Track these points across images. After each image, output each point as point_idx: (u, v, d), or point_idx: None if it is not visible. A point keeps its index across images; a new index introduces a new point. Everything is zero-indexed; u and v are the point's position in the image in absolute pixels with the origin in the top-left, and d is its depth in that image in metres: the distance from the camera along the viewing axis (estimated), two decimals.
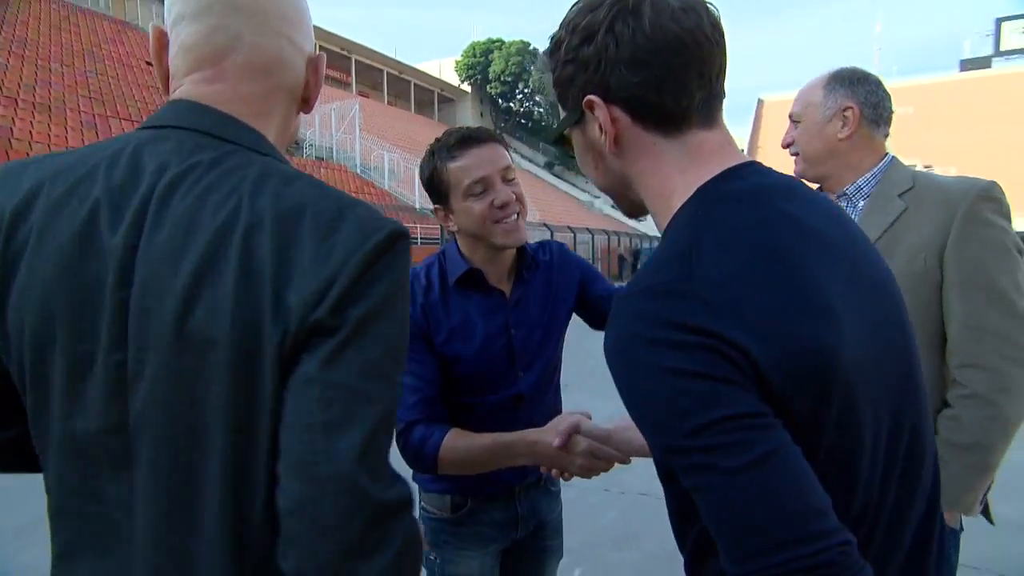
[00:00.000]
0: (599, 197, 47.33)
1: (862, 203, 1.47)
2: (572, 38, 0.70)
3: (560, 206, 37.90)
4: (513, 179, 1.28)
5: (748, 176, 0.68)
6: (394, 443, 0.69)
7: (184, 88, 0.71)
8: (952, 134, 46.73)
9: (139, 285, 0.61)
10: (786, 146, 1.55)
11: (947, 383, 1.34)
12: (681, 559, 2.28)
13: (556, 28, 0.74)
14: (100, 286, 0.62)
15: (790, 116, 1.55)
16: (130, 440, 0.62)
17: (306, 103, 0.81)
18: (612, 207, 46.96)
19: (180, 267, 0.60)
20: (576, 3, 0.71)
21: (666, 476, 0.69)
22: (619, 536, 3.13)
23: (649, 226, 41.72)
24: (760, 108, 61.98)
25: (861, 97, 1.46)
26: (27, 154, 12.95)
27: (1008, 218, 1.37)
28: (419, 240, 18.29)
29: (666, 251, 0.65)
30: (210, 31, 0.70)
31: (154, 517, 0.63)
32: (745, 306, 0.58)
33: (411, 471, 1.25)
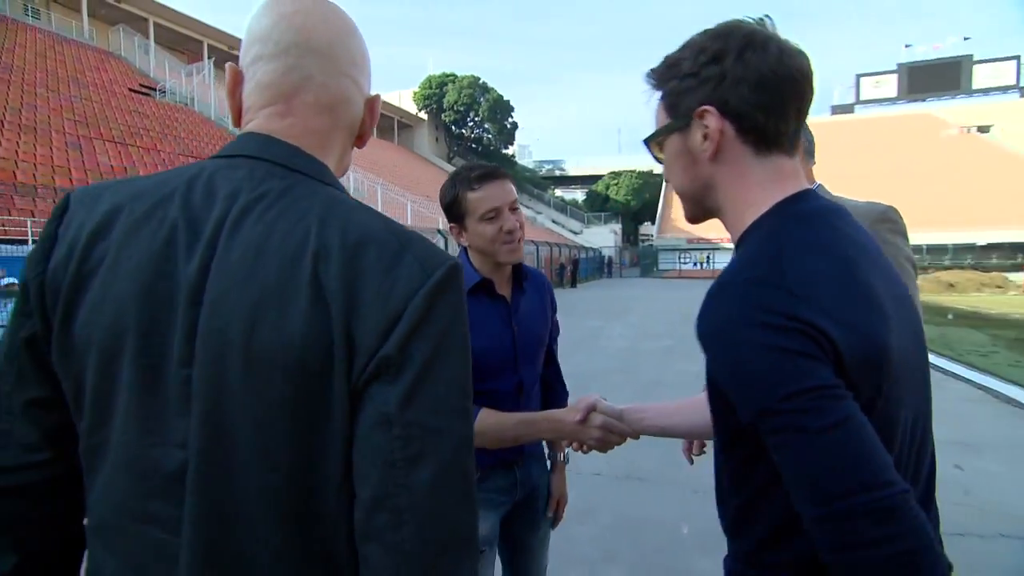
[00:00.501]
0: (541, 213, 47.70)
1: None
2: (699, 57, 0.71)
3: None
4: (517, 209, 1.37)
5: (812, 200, 0.72)
6: None
7: (256, 122, 0.66)
8: (826, 165, 49.25)
9: (209, 304, 0.56)
10: None
11: None
12: (630, 529, 2.57)
13: (676, 49, 0.76)
14: (173, 305, 0.57)
15: None
16: (186, 456, 0.56)
17: (360, 139, 0.75)
18: (553, 222, 47.46)
19: (250, 290, 0.55)
20: (703, 32, 0.73)
21: (729, 443, 0.73)
22: (578, 511, 3.05)
23: (584, 239, 41.88)
24: None
25: None
26: (13, 172, 12.15)
27: (904, 236, 1.41)
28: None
29: (753, 254, 0.69)
30: (285, 70, 0.65)
31: (204, 539, 0.56)
32: (825, 301, 0.62)
33: None
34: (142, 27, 28.72)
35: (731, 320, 0.64)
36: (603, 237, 45.17)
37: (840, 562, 0.57)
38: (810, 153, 1.51)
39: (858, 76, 65.45)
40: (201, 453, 0.55)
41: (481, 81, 49.09)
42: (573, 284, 26.53)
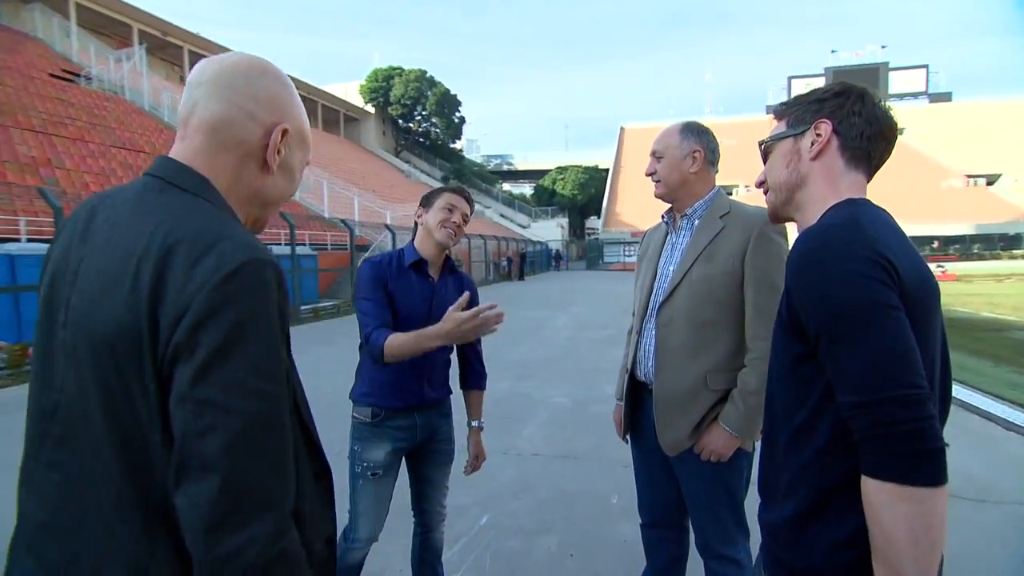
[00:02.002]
0: (489, 207, 47.73)
1: (697, 221, 1.66)
2: (827, 92, 0.98)
3: None
4: (466, 220, 1.87)
5: (869, 201, 0.94)
6: None
7: (174, 147, 0.80)
8: (758, 161, 51.77)
9: (76, 285, 0.70)
10: (649, 174, 1.70)
11: (744, 349, 1.58)
12: (565, 501, 2.85)
13: (810, 91, 1.02)
14: (64, 284, 0.72)
15: (652, 153, 1.70)
16: (59, 397, 0.71)
17: (266, 164, 0.81)
18: (501, 216, 47.59)
19: (99, 278, 0.68)
20: (831, 84, 1.00)
21: (791, 368, 0.89)
22: (516, 488, 3.28)
23: (532, 232, 41.98)
24: (622, 134, 65.32)
25: (704, 143, 1.66)
26: None
27: (785, 236, 1.57)
28: (329, 246, 17.72)
29: (836, 216, 0.89)
30: (184, 101, 0.79)
31: (68, 468, 0.70)
32: (892, 247, 0.81)
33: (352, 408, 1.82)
34: (61, 7, 26.69)
35: (822, 251, 0.82)
36: (550, 231, 45.77)
37: (872, 437, 0.74)
38: (714, 162, 1.70)
39: (790, 78, 68.72)
40: (68, 393, 0.70)
41: (428, 75, 48.50)
42: (521, 277, 26.83)
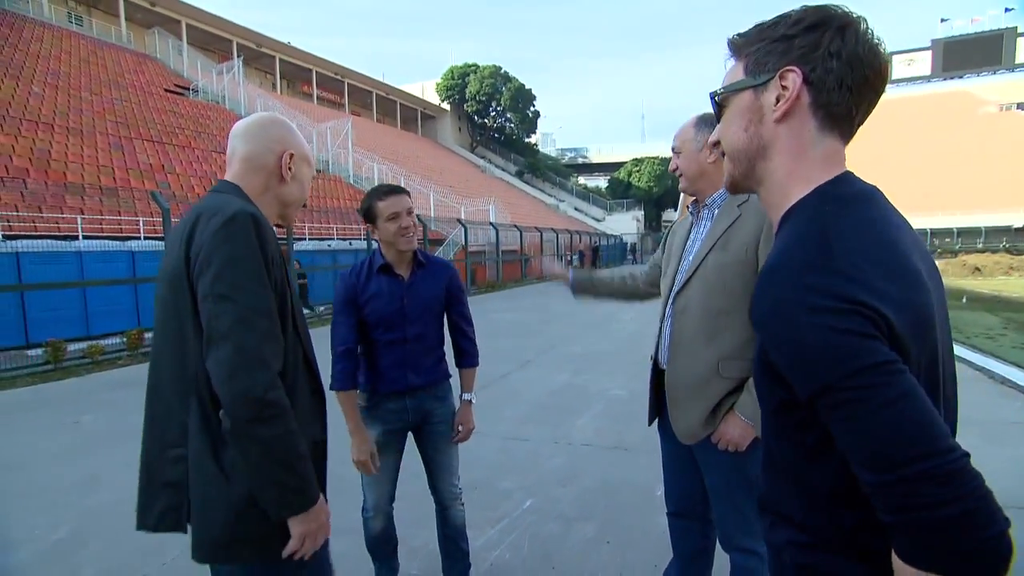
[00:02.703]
0: (563, 201, 47.54)
1: (716, 210, 1.67)
2: (797, 24, 0.72)
3: (529, 208, 38.08)
4: (411, 212, 1.94)
5: (850, 183, 0.73)
6: None
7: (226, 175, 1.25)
8: (856, 148, 47.06)
9: (164, 255, 1.15)
10: (673, 170, 1.74)
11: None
12: (608, 491, 2.92)
13: (769, 19, 0.76)
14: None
15: (672, 149, 1.72)
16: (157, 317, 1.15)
17: (282, 176, 1.24)
18: (576, 210, 47.31)
19: (173, 239, 1.12)
20: (802, 7, 0.74)
21: (777, 411, 0.75)
22: (563, 476, 3.32)
23: (606, 225, 41.55)
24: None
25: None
26: (64, 173, 12.87)
27: None
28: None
29: (801, 235, 0.69)
30: (229, 149, 1.26)
31: (151, 370, 1.14)
32: (875, 281, 0.63)
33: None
34: (175, 29, 29.56)
35: (788, 303, 0.65)
36: (625, 224, 44.91)
37: (904, 522, 0.59)
38: None
39: (890, 54, 62.86)
40: (156, 317, 1.14)
41: (502, 71, 48.92)
42: (594, 267, 26.62)
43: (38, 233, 10.05)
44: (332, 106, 40.32)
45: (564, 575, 2.36)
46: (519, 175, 50.42)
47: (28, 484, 3.47)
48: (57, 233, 10.38)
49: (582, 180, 58.09)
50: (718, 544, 1.80)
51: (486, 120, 51.26)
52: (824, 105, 0.72)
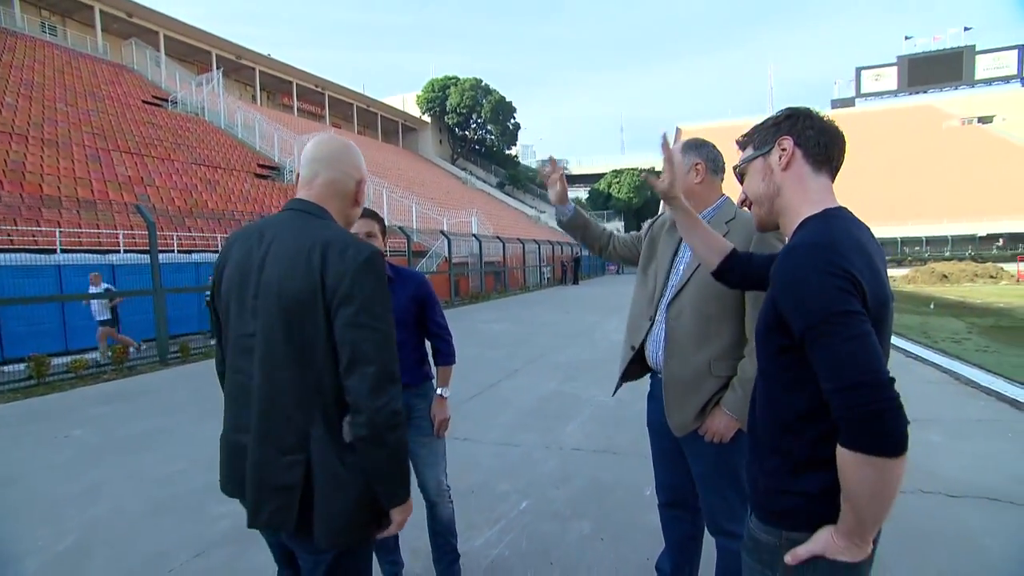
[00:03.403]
0: (544, 212, 47.91)
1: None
2: (778, 118, 1.17)
3: (510, 220, 38.34)
4: (371, 236, 2.11)
5: (844, 213, 1.08)
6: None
7: (299, 192, 1.35)
8: None
9: (265, 271, 1.22)
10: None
11: (744, 340, 1.72)
12: (600, 491, 3.11)
13: (763, 120, 1.20)
14: (251, 271, 1.25)
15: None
16: (255, 335, 1.23)
17: (356, 201, 1.39)
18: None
19: (281, 264, 1.20)
20: (779, 111, 1.19)
21: (776, 354, 1.05)
22: (556, 478, 3.49)
23: None
24: (678, 135, 63.97)
25: (704, 155, 1.82)
26: (40, 186, 12.68)
27: (781, 240, 1.63)
28: (388, 252, 18.38)
29: (815, 232, 1.03)
30: (308, 171, 1.34)
31: (263, 375, 1.22)
32: (859, 266, 0.95)
33: None
34: (153, 40, 29.33)
35: (804, 266, 0.97)
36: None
37: (848, 417, 0.89)
38: (717, 171, 1.86)
39: (858, 69, 65.01)
40: (262, 334, 1.22)
41: (483, 83, 49.41)
42: (575, 281, 26.89)
43: (14, 247, 9.90)
44: (313, 118, 40.26)
45: (562, 570, 2.49)
46: (500, 187, 50.75)
47: (26, 497, 3.48)
48: (34, 247, 10.24)
49: None
50: (707, 532, 1.96)
51: (467, 132, 51.60)
52: (811, 155, 1.13)
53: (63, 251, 10.30)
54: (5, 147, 13.71)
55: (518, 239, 25.14)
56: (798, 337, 0.97)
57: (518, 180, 51.86)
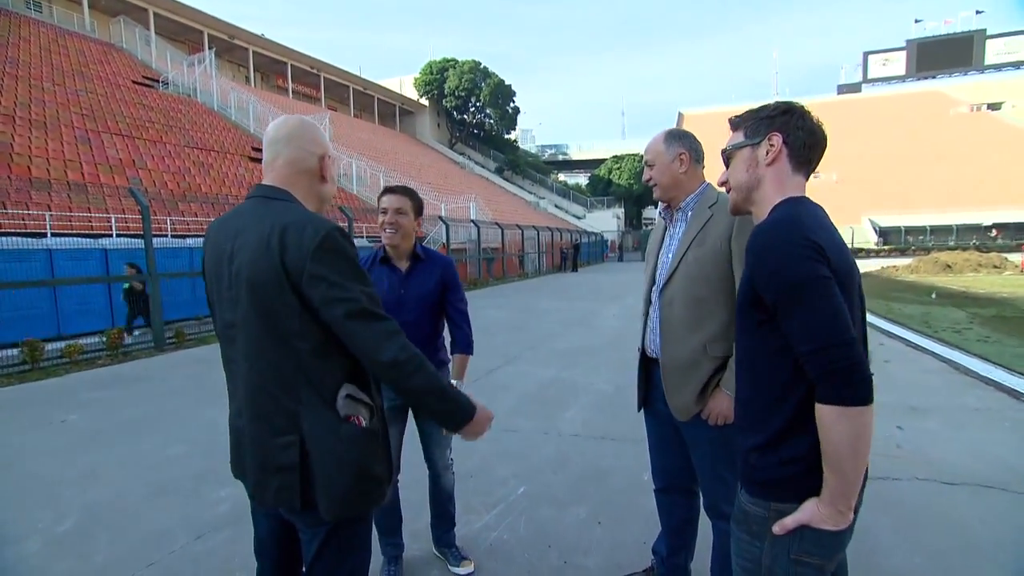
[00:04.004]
0: (543, 198, 47.81)
1: (690, 213, 1.89)
2: (775, 111, 1.23)
3: (509, 206, 38.27)
4: (400, 211, 2.18)
5: (805, 199, 1.19)
6: None
7: (264, 177, 1.37)
8: (832, 145, 48.98)
9: (235, 259, 1.26)
10: (647, 181, 1.95)
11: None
12: (598, 476, 3.20)
13: (756, 108, 1.27)
14: (223, 264, 1.30)
15: (646, 162, 1.94)
16: (235, 322, 1.29)
17: (323, 177, 1.40)
18: (557, 207, 47.65)
19: (247, 251, 1.24)
20: (774, 103, 1.25)
21: (753, 328, 1.15)
22: (554, 464, 3.57)
23: (587, 223, 41.73)
24: (680, 120, 63.72)
25: (688, 145, 1.89)
26: (28, 168, 12.62)
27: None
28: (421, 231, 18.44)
29: (782, 212, 1.15)
30: (270, 153, 1.36)
31: (246, 354, 1.28)
32: (822, 237, 1.06)
33: None
34: (142, 18, 28.97)
35: (772, 239, 1.08)
36: (606, 221, 45.39)
37: (821, 374, 1.01)
38: (699, 160, 1.93)
39: (866, 54, 64.48)
40: (241, 323, 1.27)
41: (482, 66, 49.03)
42: (574, 268, 26.93)
43: (3, 230, 9.88)
44: (308, 100, 39.97)
45: (560, 552, 2.56)
46: (499, 172, 50.58)
47: (24, 480, 3.54)
48: (24, 231, 10.22)
49: (562, 177, 58.50)
50: (702, 513, 2.03)
51: (465, 116, 51.31)
52: (795, 155, 1.21)
53: (54, 235, 10.28)
54: None
55: (517, 225, 25.13)
56: (771, 306, 1.08)
57: (517, 165, 51.65)
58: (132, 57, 26.31)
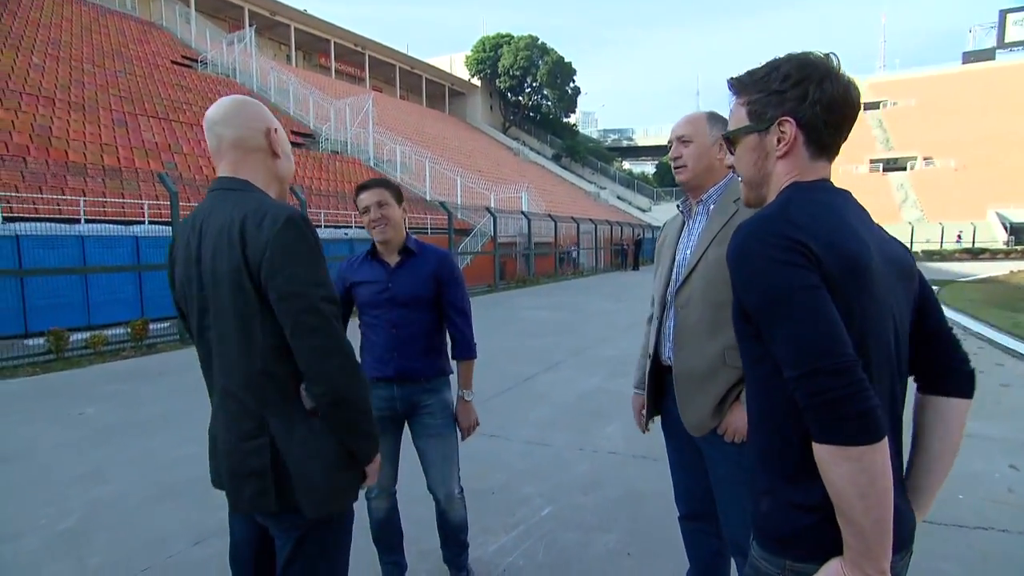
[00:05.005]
0: (605, 188, 47.32)
1: (712, 206, 1.86)
2: (785, 81, 1.03)
3: (565, 196, 38.12)
4: (382, 205, 2.19)
5: (819, 184, 1.05)
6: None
7: (217, 168, 1.41)
8: (953, 126, 46.06)
9: (201, 256, 1.32)
10: (674, 159, 1.90)
11: None
12: (633, 501, 3.12)
13: (760, 68, 1.08)
14: (191, 267, 1.35)
15: (679, 138, 1.89)
16: (209, 322, 1.35)
17: (275, 152, 1.42)
18: (619, 198, 47.09)
19: (210, 246, 1.29)
20: (788, 59, 1.05)
21: (750, 358, 1.05)
22: (586, 484, 3.51)
23: (652, 216, 41.07)
24: None
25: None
26: (66, 152, 13.60)
27: None
28: (428, 230, 18.76)
29: (772, 205, 1.03)
30: (212, 139, 1.39)
31: (217, 348, 1.35)
32: (813, 227, 0.94)
33: None
34: None
35: (748, 242, 0.97)
36: (673, 214, 44.41)
37: (811, 405, 0.89)
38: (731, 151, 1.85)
39: (1002, 12, 59.32)
40: (212, 323, 1.34)
41: (539, 42, 49.08)
42: (635, 266, 26.51)
43: (39, 215, 10.67)
44: (352, 80, 41.16)
45: None
46: (556, 159, 50.47)
47: (33, 475, 3.80)
48: (58, 216, 10.99)
49: (627, 165, 57.90)
50: None
51: (520, 97, 51.46)
52: (815, 140, 1.04)
53: (87, 221, 11.02)
54: (32, 110, 14.75)
55: (572, 218, 24.97)
56: (754, 321, 0.98)
57: (576, 152, 51.38)
58: (172, 35, 27.89)
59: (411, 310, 2.23)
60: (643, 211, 45.55)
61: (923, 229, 35.71)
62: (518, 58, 48.26)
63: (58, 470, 3.85)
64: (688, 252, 1.86)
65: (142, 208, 12.49)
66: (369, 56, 42.71)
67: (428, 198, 22.09)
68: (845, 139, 1.07)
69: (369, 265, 2.28)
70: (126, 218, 12.00)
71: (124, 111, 17.31)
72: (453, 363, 2.36)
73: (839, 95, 1.02)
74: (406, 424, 2.35)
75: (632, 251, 26.90)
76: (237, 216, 1.26)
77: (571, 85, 51.05)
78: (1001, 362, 6.75)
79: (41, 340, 7.51)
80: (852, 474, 0.87)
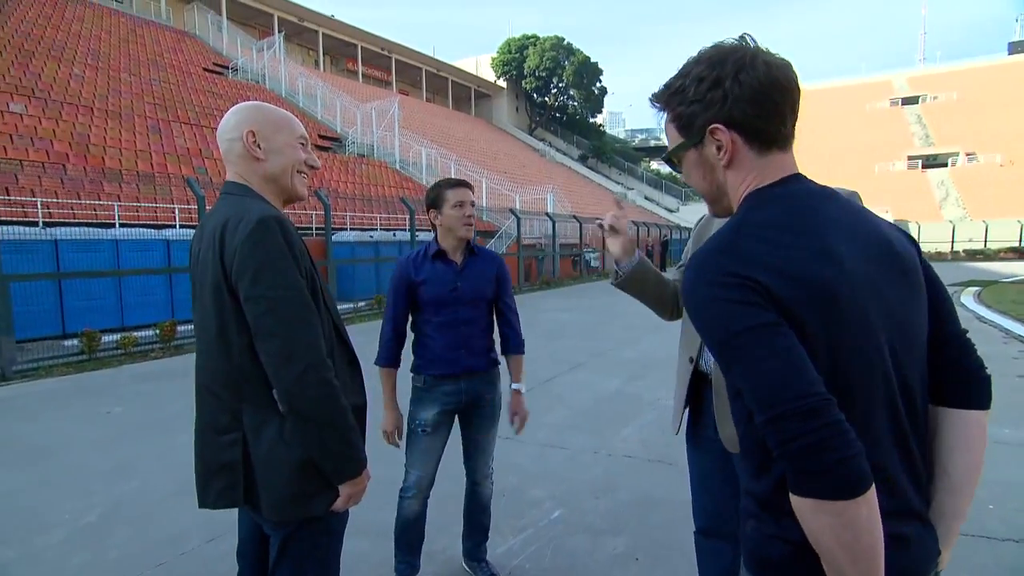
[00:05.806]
0: (632, 189, 46.97)
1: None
2: (700, 85, 0.93)
3: (592, 198, 37.90)
4: (473, 204, 2.34)
5: (788, 184, 0.95)
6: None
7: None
8: (998, 120, 44.50)
9: (200, 262, 1.38)
10: None
11: None
12: (643, 506, 3.09)
13: (674, 78, 0.99)
14: (195, 267, 1.42)
15: None
16: (199, 315, 1.41)
17: (255, 157, 1.44)
18: (647, 199, 46.69)
19: (200, 248, 1.38)
20: (697, 61, 0.96)
21: (733, 396, 0.95)
22: (599, 487, 3.50)
23: (681, 216, 40.71)
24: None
25: None
26: (103, 159, 14.05)
27: None
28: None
29: (723, 230, 0.94)
30: (222, 151, 1.46)
31: (201, 372, 1.41)
32: (765, 257, 0.85)
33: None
34: (215, 3, 31.42)
35: (696, 282, 0.89)
36: (704, 214, 43.83)
37: (783, 454, 0.80)
38: None
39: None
40: (199, 321, 1.40)
41: (565, 42, 48.94)
42: (662, 267, 26.23)
43: (76, 220, 11.07)
44: (379, 84, 41.66)
45: None
46: (582, 160, 50.27)
47: (61, 470, 3.94)
48: (94, 220, 11.38)
49: (654, 165, 57.22)
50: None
51: (546, 98, 51.40)
52: (755, 136, 0.94)
53: (121, 225, 11.37)
54: (72, 119, 15.30)
55: (597, 219, 24.76)
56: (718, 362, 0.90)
57: (603, 152, 51.09)
58: (204, 44, 28.63)
59: (474, 308, 2.35)
60: (671, 211, 45.04)
61: (965, 228, 34.56)
62: (544, 59, 48.20)
63: (86, 466, 3.99)
64: None
65: (173, 212, 12.83)
66: (395, 60, 43.16)
67: None
68: (794, 121, 0.96)
69: (432, 264, 2.34)
70: (158, 222, 12.36)
71: (158, 118, 17.82)
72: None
73: (762, 81, 0.91)
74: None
75: (659, 252, 26.62)
76: (221, 220, 1.32)
77: (597, 85, 50.78)
78: None
79: (75, 341, 7.77)
80: (833, 528, 0.79)
